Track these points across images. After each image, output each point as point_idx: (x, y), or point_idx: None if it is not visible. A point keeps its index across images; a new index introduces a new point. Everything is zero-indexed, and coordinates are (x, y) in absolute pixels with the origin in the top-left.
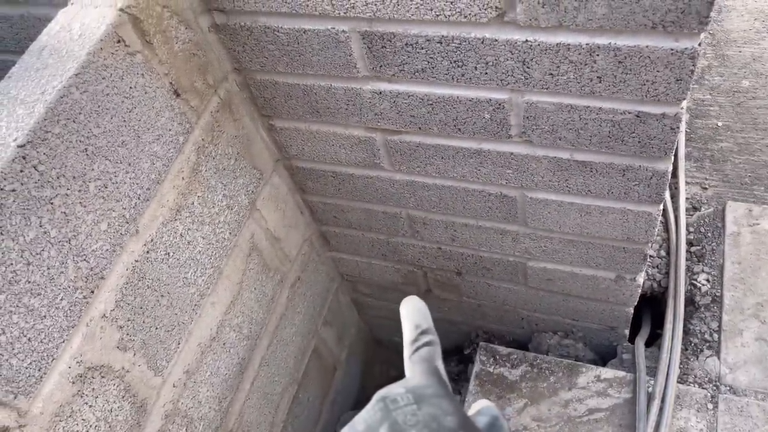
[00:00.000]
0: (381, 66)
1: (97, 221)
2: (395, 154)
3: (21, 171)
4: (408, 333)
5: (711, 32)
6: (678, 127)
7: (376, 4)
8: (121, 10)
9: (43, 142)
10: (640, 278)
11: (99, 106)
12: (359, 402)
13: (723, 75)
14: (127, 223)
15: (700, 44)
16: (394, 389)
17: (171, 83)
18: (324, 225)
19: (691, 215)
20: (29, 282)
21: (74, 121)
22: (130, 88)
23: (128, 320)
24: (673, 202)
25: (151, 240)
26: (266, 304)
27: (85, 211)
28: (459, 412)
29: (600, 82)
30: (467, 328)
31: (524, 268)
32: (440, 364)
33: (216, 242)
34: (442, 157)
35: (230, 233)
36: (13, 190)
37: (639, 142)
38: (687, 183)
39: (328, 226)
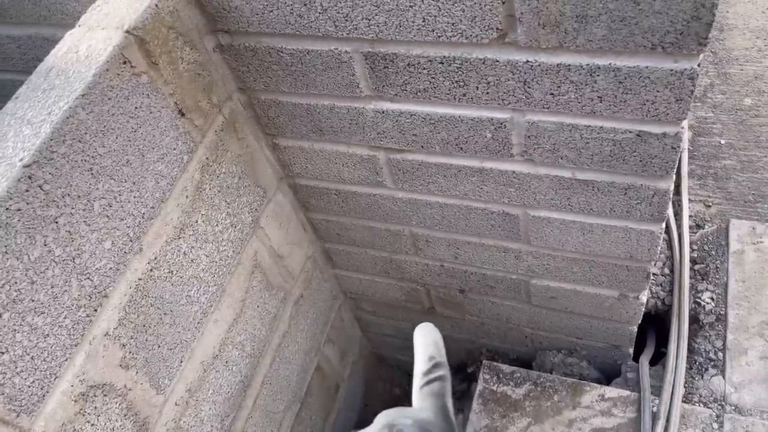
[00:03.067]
0: (383, 86)
1: (101, 240)
2: (398, 172)
3: (27, 191)
4: (421, 364)
5: (713, 50)
6: (679, 146)
7: (378, 26)
8: (127, 31)
9: (49, 162)
10: (644, 297)
11: (104, 126)
12: (362, 421)
13: (725, 93)
14: (131, 241)
15: (699, 65)
16: (400, 419)
17: (176, 103)
18: (327, 242)
19: (695, 233)
20: (33, 300)
21: (80, 141)
22: (136, 108)
23: (131, 338)
24: (676, 219)
25: (155, 258)
26: (269, 322)
27: (90, 230)
28: None
29: (601, 101)
30: (471, 346)
31: (527, 286)
32: (449, 402)
33: (219, 260)
34: (445, 176)
35: (234, 251)
36: (19, 210)
37: (640, 161)
38: (690, 201)
39: (332, 243)
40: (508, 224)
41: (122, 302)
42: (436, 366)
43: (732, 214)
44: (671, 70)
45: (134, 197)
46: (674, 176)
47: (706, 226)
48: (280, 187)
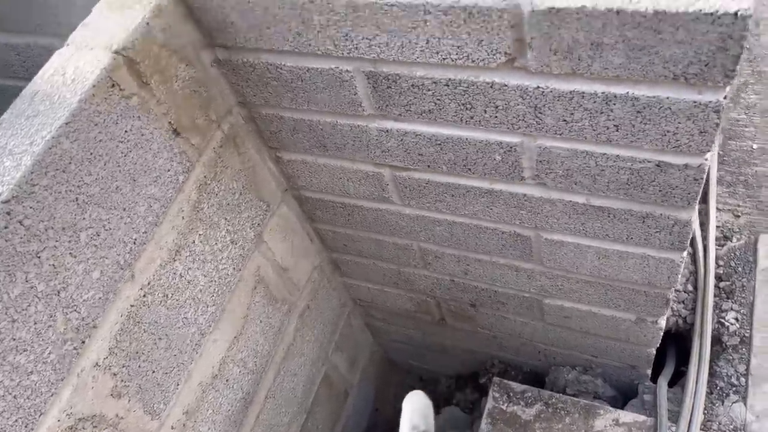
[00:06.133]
0: (387, 105)
1: (89, 270)
2: (404, 189)
3: (5, 227)
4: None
5: (748, 47)
6: (702, 178)
7: (380, 46)
8: (116, 52)
9: (30, 196)
10: (663, 321)
11: (91, 154)
12: (372, 425)
13: (759, 93)
14: (122, 269)
15: (725, 97)
16: None
17: (170, 123)
18: (334, 252)
19: (722, 246)
20: (14, 339)
21: (64, 171)
22: (125, 132)
23: (123, 366)
24: (702, 230)
25: (148, 284)
26: (273, 336)
27: (76, 261)
28: None
29: (617, 130)
30: (483, 357)
31: (540, 305)
32: None
33: (218, 279)
34: (453, 195)
35: (234, 268)
36: None
37: (660, 190)
38: (718, 210)
39: (339, 253)
40: (520, 245)
41: (113, 331)
42: None
43: (762, 225)
44: (694, 102)
45: (125, 224)
46: (696, 206)
47: (734, 239)
48: (285, 199)
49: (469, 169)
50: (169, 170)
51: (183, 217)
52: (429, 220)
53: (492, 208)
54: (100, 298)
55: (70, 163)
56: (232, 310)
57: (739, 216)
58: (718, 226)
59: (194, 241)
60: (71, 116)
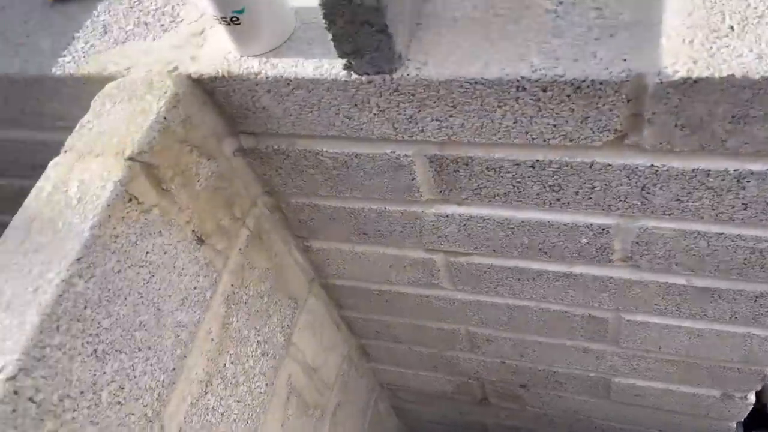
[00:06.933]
0: (451, 190)
1: None
2: (459, 275)
3: (13, 411)
4: None
5: None
6: None
7: (452, 128)
8: (130, 158)
9: (40, 362)
10: (752, 396)
11: (110, 291)
12: None
13: None
14: (150, 422)
15: None
16: None
17: (194, 231)
18: (364, 339)
19: None
20: None
21: (78, 320)
22: (146, 253)
23: None
24: None
25: (179, 429)
26: None
27: (98, 429)
28: None
29: (745, 209)
30: None
31: (607, 384)
32: None
33: (252, 400)
34: (519, 279)
35: (267, 384)
36: None
37: None
38: None
39: (369, 339)
40: (593, 327)
41: None
42: None
43: None
44: None
45: (150, 366)
46: None
47: None
48: (312, 290)
49: (546, 253)
50: (195, 288)
51: (212, 339)
52: (485, 305)
53: (567, 291)
54: None
55: (85, 308)
56: (267, 426)
57: None
58: None
59: (225, 365)
60: (84, 249)
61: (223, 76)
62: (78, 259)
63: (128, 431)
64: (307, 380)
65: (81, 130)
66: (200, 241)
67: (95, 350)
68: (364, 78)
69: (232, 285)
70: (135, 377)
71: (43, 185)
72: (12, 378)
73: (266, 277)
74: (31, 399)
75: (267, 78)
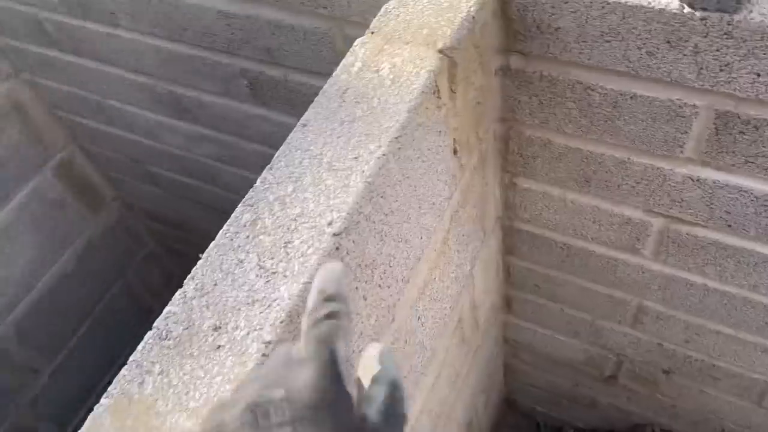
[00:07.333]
0: (719, 152)
1: (369, 316)
2: (669, 244)
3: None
4: (310, 300)
5: None
6: None
7: (765, 85)
8: (440, 51)
9: (355, 227)
10: None
11: (403, 176)
12: None
13: None
14: (388, 313)
15: None
16: (266, 394)
17: (454, 140)
18: (515, 290)
19: None
20: None
21: (382, 197)
22: (428, 149)
23: None
24: None
25: (397, 329)
26: (451, 385)
27: (364, 305)
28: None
29: None
30: (639, 419)
31: (765, 390)
32: (341, 347)
33: (438, 319)
34: (739, 262)
35: (450, 308)
36: None
37: None
38: None
39: (520, 291)
40: None
41: None
42: (327, 299)
43: None
44: None
45: (404, 259)
46: None
47: None
48: (494, 229)
49: None
50: (440, 195)
51: (435, 250)
52: (678, 281)
53: None
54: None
55: (387, 186)
56: (437, 355)
57: None
58: None
59: (435, 278)
60: (401, 129)
61: None
62: (396, 138)
63: (377, 316)
64: (469, 315)
65: (387, 15)
66: (455, 151)
67: (381, 230)
68: (698, 13)
69: (458, 202)
70: (392, 266)
71: (351, 61)
72: (338, 234)
73: (477, 203)
74: (341, 261)
75: None
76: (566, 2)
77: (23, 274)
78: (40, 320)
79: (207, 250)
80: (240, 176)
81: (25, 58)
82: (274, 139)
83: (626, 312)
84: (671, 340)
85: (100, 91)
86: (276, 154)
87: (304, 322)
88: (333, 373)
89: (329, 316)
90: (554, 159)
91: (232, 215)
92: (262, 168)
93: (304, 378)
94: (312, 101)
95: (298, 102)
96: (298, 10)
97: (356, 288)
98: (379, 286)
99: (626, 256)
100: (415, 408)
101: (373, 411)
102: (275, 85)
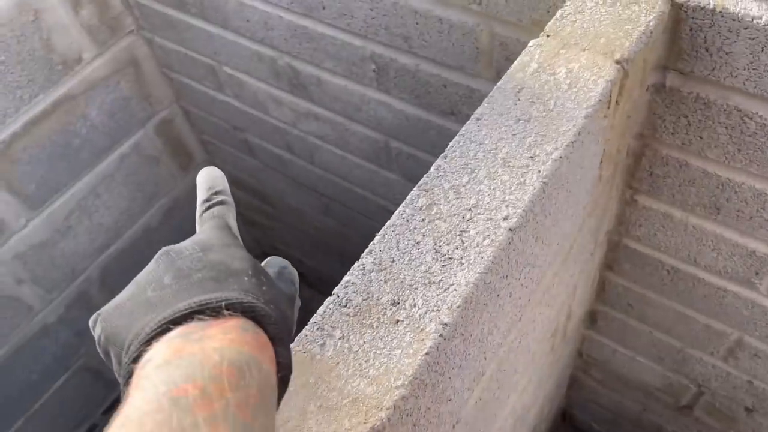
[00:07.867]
0: None
1: (507, 313)
2: None
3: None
4: (200, 195)
5: None
6: None
7: None
8: (617, 62)
9: (525, 225)
10: None
11: (566, 180)
12: None
13: None
14: (518, 320)
15: None
16: (179, 244)
17: (603, 151)
18: (606, 306)
19: None
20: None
21: (548, 199)
22: (588, 157)
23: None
24: None
25: (518, 329)
26: (534, 391)
27: (511, 304)
28: (248, 257)
29: None
30: None
31: None
32: (233, 222)
33: (547, 323)
34: None
35: (555, 315)
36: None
37: None
38: None
39: (610, 308)
40: None
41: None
42: (216, 193)
43: None
44: None
45: (544, 262)
46: None
47: None
48: (602, 243)
49: None
50: (581, 203)
51: (562, 257)
52: None
53: None
54: (498, 343)
55: (554, 188)
56: (534, 358)
57: None
58: None
59: (554, 284)
60: (576, 134)
61: (713, 9)
62: (572, 143)
63: (511, 317)
64: (563, 326)
65: (562, 20)
66: (600, 163)
67: (537, 231)
68: None
69: (588, 215)
70: (534, 266)
71: (526, 60)
72: (513, 229)
73: (599, 216)
74: (508, 257)
75: (763, 25)
76: (746, 28)
77: (115, 223)
78: (122, 268)
79: (383, 227)
80: (339, 156)
81: (149, 16)
82: (385, 125)
83: (722, 344)
84: (764, 379)
85: (216, 57)
86: (450, 144)
87: (198, 211)
88: (228, 230)
89: (220, 203)
90: (686, 182)
91: (407, 197)
92: (362, 151)
93: (207, 233)
94: (435, 93)
95: (422, 92)
96: (449, 3)
97: (508, 284)
98: (522, 285)
99: (739, 288)
100: (507, 407)
101: (268, 268)
102: (404, 74)
